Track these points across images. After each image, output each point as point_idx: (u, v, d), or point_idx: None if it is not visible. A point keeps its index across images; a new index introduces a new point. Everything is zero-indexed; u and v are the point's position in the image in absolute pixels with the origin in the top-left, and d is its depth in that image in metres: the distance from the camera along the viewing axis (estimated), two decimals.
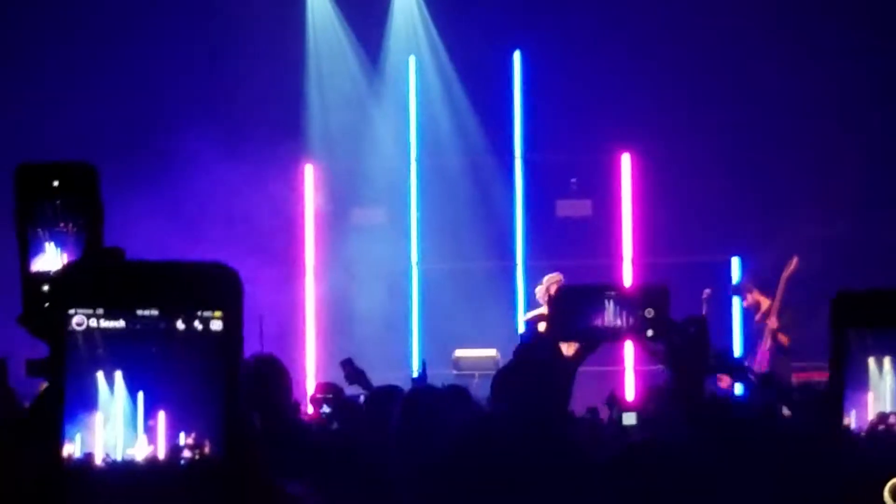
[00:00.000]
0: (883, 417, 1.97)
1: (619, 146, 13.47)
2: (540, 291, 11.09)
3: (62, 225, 1.83)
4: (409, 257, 13.64)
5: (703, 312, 11.26)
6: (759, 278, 11.62)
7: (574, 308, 3.71)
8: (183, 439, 1.94)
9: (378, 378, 7.87)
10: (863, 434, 1.92)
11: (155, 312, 1.84)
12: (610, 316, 3.66)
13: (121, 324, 1.85)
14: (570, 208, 13.85)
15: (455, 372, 11.28)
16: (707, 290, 11.42)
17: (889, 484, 1.89)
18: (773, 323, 11.10)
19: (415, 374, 7.72)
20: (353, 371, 7.93)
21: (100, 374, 1.92)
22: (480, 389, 10.25)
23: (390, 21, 14.24)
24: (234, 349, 1.89)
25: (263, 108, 13.56)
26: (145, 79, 13.65)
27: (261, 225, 13.46)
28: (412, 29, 14.23)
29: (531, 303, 11.82)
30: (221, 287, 1.75)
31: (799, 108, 12.91)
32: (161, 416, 1.96)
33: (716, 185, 13.02)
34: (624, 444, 3.91)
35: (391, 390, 6.57)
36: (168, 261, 1.75)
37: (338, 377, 8.19)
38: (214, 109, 13.42)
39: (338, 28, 14.25)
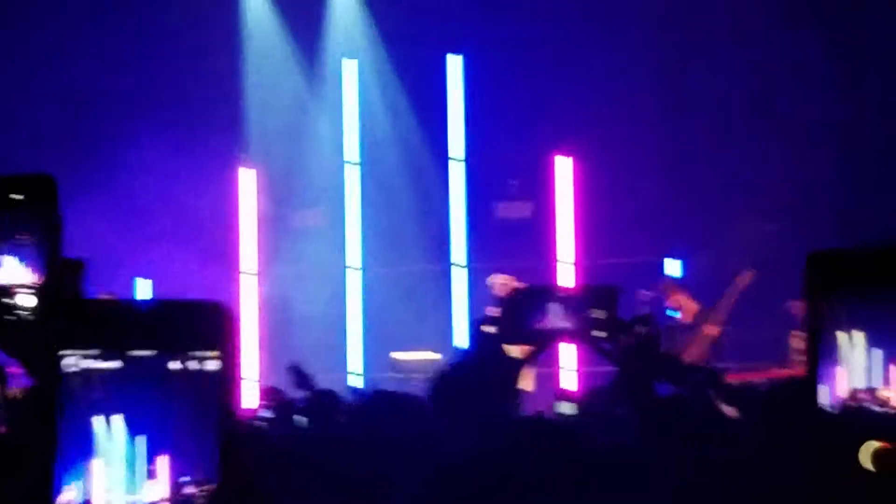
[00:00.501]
0: (853, 393, 1.94)
1: (559, 148, 13.47)
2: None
3: (18, 236, 1.78)
4: (347, 259, 13.57)
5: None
6: (680, 280, 11.66)
7: (523, 310, 3.69)
8: (186, 480, 1.87)
9: (318, 382, 7.82)
10: (835, 411, 1.89)
11: (152, 353, 1.78)
12: (559, 317, 3.64)
13: (117, 365, 1.78)
14: (511, 210, 13.85)
15: (393, 375, 11.23)
16: (646, 292, 11.44)
17: (868, 448, 1.86)
18: (712, 330, 11.11)
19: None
20: (299, 377, 7.86)
21: (97, 419, 1.83)
22: (418, 392, 10.26)
23: (329, 22, 14.16)
24: (230, 388, 1.84)
25: (201, 109, 13.45)
26: (80, 78, 13.51)
27: (200, 227, 13.35)
28: (351, 30, 14.16)
29: (473, 305, 11.80)
30: (218, 326, 1.69)
31: (736, 109, 12.99)
32: (163, 459, 1.88)
33: (655, 186, 13.08)
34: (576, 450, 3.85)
35: (331, 394, 6.54)
36: (163, 300, 1.69)
37: (279, 382, 8.13)
38: (150, 110, 13.29)
39: (275, 28, 14.15)
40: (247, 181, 13.73)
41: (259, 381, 12.00)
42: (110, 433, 1.91)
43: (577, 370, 12.05)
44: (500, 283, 11.17)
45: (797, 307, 11.83)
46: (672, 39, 13.01)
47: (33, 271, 1.63)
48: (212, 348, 1.81)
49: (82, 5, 13.56)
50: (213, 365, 1.84)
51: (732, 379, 10.32)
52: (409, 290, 13.15)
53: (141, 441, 1.88)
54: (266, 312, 13.50)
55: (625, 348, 3.69)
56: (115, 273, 12.61)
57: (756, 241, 12.25)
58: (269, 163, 13.79)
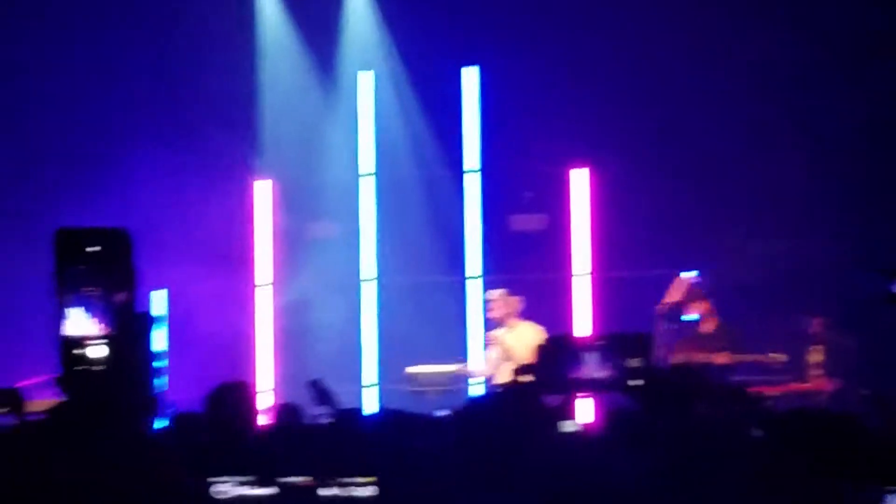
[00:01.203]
0: None
1: (574, 160, 13.45)
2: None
3: (85, 289, 1.78)
4: (361, 272, 13.55)
5: (658, 326, 11.26)
6: (705, 287, 11.65)
7: (558, 359, 3.66)
8: None
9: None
10: None
11: (305, 479, 1.77)
12: (594, 366, 3.61)
13: (271, 491, 1.77)
14: (525, 222, 13.83)
15: (410, 388, 11.21)
16: (663, 304, 11.42)
17: None
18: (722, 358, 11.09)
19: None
20: (319, 392, 7.78)
21: None
22: (435, 405, 10.23)
23: (344, 34, 14.17)
24: None
25: (216, 121, 13.47)
26: (94, 91, 13.53)
27: (214, 240, 13.37)
28: (367, 42, 14.16)
29: (487, 318, 11.77)
30: (378, 453, 1.69)
31: (756, 125, 12.96)
32: None
33: (670, 199, 13.04)
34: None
35: (355, 413, 6.50)
36: (314, 424, 1.69)
37: (294, 394, 8.11)
38: (165, 122, 13.30)
39: (291, 41, 14.16)
40: (262, 193, 13.76)
41: (274, 393, 12.02)
42: None
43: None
44: (496, 298, 11.25)
45: (815, 323, 11.85)
46: (692, 51, 12.96)
47: (99, 322, 1.63)
48: (369, 475, 1.80)
49: (93, 11, 13.58)
50: (366, 491, 1.82)
51: (751, 393, 10.34)
52: (423, 302, 13.13)
53: None
54: (281, 324, 13.51)
55: (658, 396, 3.64)
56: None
57: (773, 255, 12.21)
58: (284, 174, 13.80)
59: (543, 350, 3.78)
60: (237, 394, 4.88)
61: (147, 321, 1.71)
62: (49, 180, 13.10)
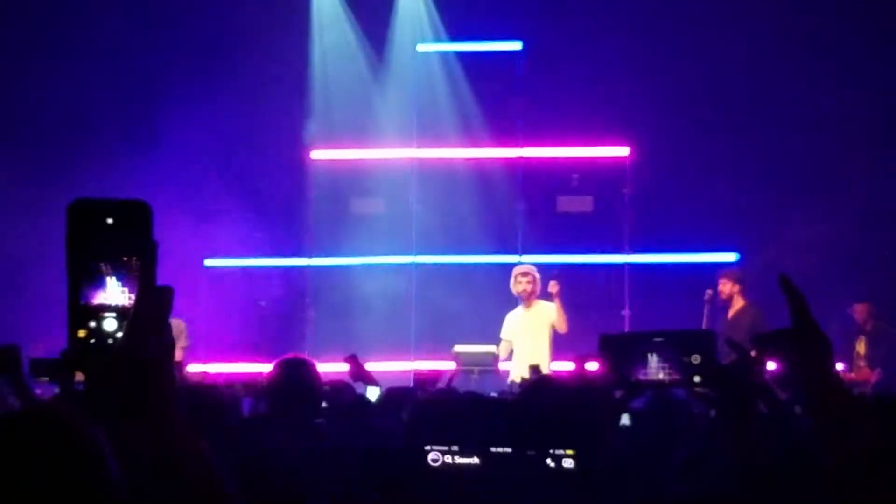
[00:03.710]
0: None
1: (622, 142, 13.46)
2: (511, 282, 11.07)
3: (123, 259, 1.82)
4: (408, 249, 13.61)
5: (705, 312, 11.24)
6: (740, 273, 11.42)
7: (619, 356, 3.68)
8: None
9: (377, 372, 7.88)
10: None
11: (508, 450, 1.84)
12: (655, 364, 3.63)
13: (475, 461, 1.84)
14: (571, 204, 13.85)
15: (455, 366, 11.23)
16: (709, 291, 11.37)
17: None
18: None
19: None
20: (357, 367, 7.89)
21: None
22: (479, 385, 10.29)
23: (396, 11, 14.21)
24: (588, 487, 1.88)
25: (268, 97, 13.53)
26: (148, 67, 13.62)
27: (264, 214, 13.47)
28: (417, 20, 14.20)
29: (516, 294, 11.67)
30: (574, 425, 1.75)
31: (801, 103, 12.89)
32: None
33: (717, 182, 13.02)
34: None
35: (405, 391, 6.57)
36: (520, 400, 1.75)
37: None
38: (218, 99, 13.37)
39: (343, 18, 14.21)
40: (313, 166, 13.83)
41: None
42: None
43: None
44: (527, 273, 10.99)
45: (860, 311, 11.80)
46: (743, 36, 12.91)
47: (132, 295, 1.68)
48: (568, 447, 1.86)
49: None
50: (568, 463, 1.88)
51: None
52: (469, 282, 13.16)
53: None
54: (325, 300, 13.60)
55: (723, 396, 3.65)
56: (183, 256, 12.77)
57: (816, 242, 12.15)
58: (333, 150, 13.88)
59: (604, 347, 3.79)
60: (304, 367, 4.92)
61: (168, 296, 1.73)
62: (96, 149, 13.18)
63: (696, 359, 3.66)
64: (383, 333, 12.87)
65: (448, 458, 1.94)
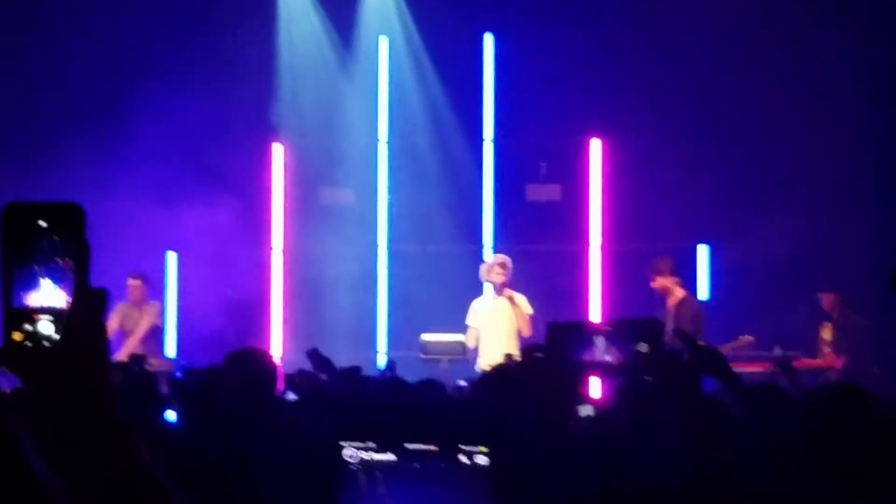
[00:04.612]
0: None
1: (590, 131, 13.46)
2: (483, 270, 10.98)
3: (57, 261, 1.81)
4: (377, 238, 13.58)
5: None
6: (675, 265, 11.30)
7: (565, 345, 3.68)
8: None
9: (346, 360, 7.86)
10: None
11: (424, 447, 1.85)
12: (602, 347, 3.63)
13: (391, 458, 1.86)
14: (540, 192, 13.84)
15: (423, 356, 11.24)
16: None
17: None
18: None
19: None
20: (319, 360, 7.91)
21: None
22: (448, 374, 10.28)
23: (362, 0, 14.15)
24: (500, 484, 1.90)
25: (234, 85, 13.46)
26: (113, 45, 13.53)
27: (233, 203, 13.40)
28: (385, 9, 14.14)
29: (486, 282, 11.63)
30: (485, 423, 1.76)
31: (770, 96, 12.93)
32: None
33: (685, 172, 13.04)
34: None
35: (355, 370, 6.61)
36: (442, 401, 1.75)
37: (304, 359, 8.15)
38: (186, 88, 13.28)
39: (310, 5, 14.15)
40: (278, 157, 13.78)
41: (283, 359, 12.02)
42: None
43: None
44: (499, 263, 10.87)
45: (827, 299, 11.88)
46: (711, 25, 12.91)
47: (67, 296, 1.67)
48: (480, 444, 1.86)
49: None
50: (482, 459, 1.89)
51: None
52: (438, 271, 13.15)
53: None
54: (294, 290, 13.55)
55: (668, 381, 3.67)
56: (146, 246, 12.71)
57: (785, 232, 12.19)
58: (300, 140, 13.82)
59: (553, 330, 3.79)
60: (259, 358, 4.90)
61: (102, 298, 1.71)
62: (77, 133, 13.09)
63: (643, 347, 3.67)
64: (352, 323, 12.85)
65: (365, 455, 1.95)
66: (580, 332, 3.64)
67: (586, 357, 3.57)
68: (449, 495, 1.97)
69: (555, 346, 3.67)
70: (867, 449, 3.38)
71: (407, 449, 1.85)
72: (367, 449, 1.87)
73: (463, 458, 1.87)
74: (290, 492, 3.14)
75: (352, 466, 1.97)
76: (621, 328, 3.68)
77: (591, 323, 3.83)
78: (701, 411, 3.60)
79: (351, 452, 1.84)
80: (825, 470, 3.29)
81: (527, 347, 4.14)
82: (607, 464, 3.63)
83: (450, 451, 1.88)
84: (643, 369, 3.68)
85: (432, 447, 1.94)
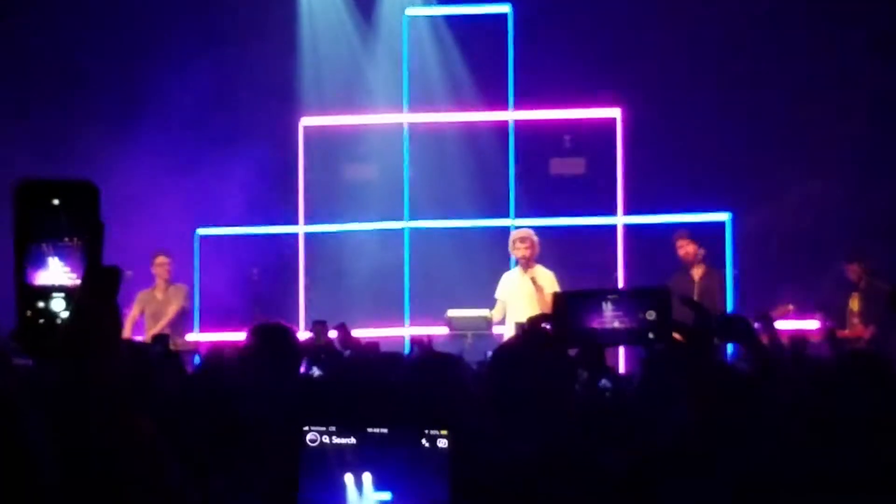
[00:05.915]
0: None
1: (613, 103, 13.39)
2: (510, 244, 11.13)
3: (67, 240, 1.81)
4: (400, 214, 13.55)
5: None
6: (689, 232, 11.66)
7: (574, 312, 3.68)
8: None
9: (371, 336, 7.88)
10: None
11: (385, 430, 1.89)
12: (610, 319, 3.63)
13: (352, 441, 1.91)
14: (564, 166, 13.80)
15: (448, 331, 11.24)
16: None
17: None
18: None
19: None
20: (346, 335, 7.97)
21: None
22: (473, 349, 10.28)
23: None
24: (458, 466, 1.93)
25: (257, 63, 13.47)
26: (137, 27, 13.55)
27: (253, 180, 13.42)
28: None
29: (514, 257, 11.67)
30: (448, 407, 1.78)
31: (795, 66, 12.85)
32: None
33: (709, 142, 12.99)
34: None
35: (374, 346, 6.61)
36: (398, 382, 1.77)
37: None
38: (206, 64, 13.30)
39: None
40: (303, 133, 13.76)
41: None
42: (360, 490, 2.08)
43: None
44: (525, 237, 10.99)
45: (852, 270, 11.81)
46: None
47: (76, 276, 1.67)
48: (442, 427, 1.88)
49: None
50: (443, 443, 1.91)
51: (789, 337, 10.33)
52: (462, 246, 13.14)
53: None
54: (318, 267, 13.56)
55: (676, 351, 3.67)
56: (173, 224, 12.75)
57: (810, 201, 12.14)
58: (324, 117, 13.80)
59: (561, 300, 3.80)
60: (283, 334, 4.88)
61: (114, 278, 1.70)
62: (98, 120, 13.13)
63: (651, 315, 3.67)
64: (376, 300, 12.86)
65: (325, 439, 1.99)
66: (587, 301, 3.64)
67: (594, 324, 3.58)
68: (410, 479, 1.99)
69: (561, 316, 3.67)
70: (885, 415, 3.37)
71: (368, 433, 1.87)
72: (328, 433, 1.89)
73: (424, 442, 1.89)
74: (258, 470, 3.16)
75: (312, 448, 2.01)
76: (629, 296, 3.69)
77: (598, 291, 3.80)
78: (711, 379, 3.60)
79: (313, 436, 1.86)
80: (838, 436, 3.27)
81: (533, 317, 4.13)
82: (619, 432, 3.63)
83: (412, 435, 1.89)
84: (654, 337, 3.69)
85: (391, 430, 1.99)
